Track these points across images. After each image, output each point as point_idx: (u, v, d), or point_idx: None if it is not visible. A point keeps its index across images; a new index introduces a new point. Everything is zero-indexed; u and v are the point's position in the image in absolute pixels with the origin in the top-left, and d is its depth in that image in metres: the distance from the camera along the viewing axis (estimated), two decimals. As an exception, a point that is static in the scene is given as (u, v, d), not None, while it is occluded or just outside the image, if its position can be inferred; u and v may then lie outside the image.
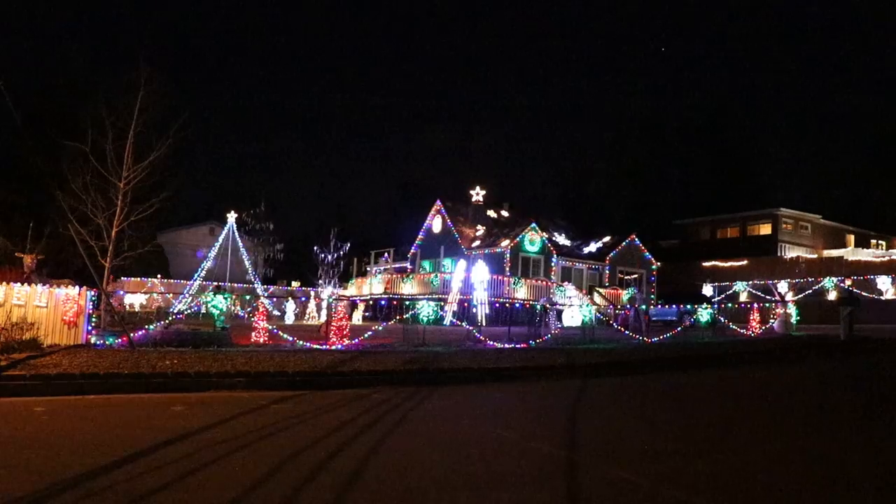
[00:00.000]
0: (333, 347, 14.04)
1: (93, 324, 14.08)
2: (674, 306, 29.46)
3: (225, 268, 38.03)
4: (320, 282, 39.68)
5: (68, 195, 16.60)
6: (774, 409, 9.45)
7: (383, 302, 30.62)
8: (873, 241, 51.02)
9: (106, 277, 16.54)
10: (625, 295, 34.65)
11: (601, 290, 35.04)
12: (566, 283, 33.90)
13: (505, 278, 31.74)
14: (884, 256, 39.84)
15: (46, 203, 23.36)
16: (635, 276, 38.28)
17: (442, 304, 28.38)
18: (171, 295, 35.64)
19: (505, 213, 40.51)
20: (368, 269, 46.01)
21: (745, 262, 41.72)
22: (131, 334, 13.07)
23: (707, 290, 37.59)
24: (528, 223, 35.30)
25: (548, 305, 24.40)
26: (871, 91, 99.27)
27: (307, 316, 32.05)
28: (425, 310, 24.71)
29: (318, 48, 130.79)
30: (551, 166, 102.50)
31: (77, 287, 13.13)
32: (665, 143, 68.79)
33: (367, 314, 33.15)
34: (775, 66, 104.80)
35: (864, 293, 31.64)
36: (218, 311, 16.31)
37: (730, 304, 31.65)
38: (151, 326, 14.45)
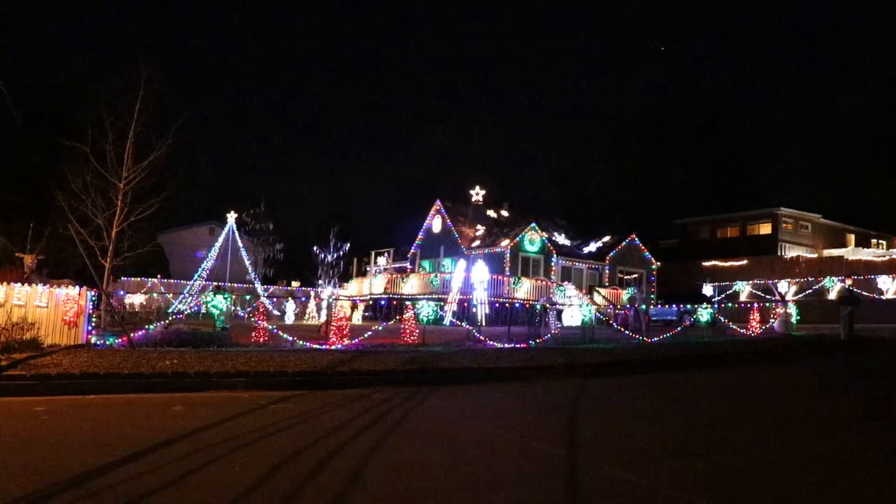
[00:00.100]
0: (333, 347, 14.04)
1: (93, 324, 14.08)
2: (674, 306, 29.46)
3: (225, 268, 38.03)
4: (320, 282, 39.71)
5: (68, 195, 16.60)
6: (774, 408, 9.45)
7: (383, 302, 30.63)
8: (874, 241, 51.01)
9: (106, 277, 16.54)
10: (625, 295, 34.66)
11: (601, 290, 35.04)
12: (566, 282, 33.90)
13: (505, 278, 31.74)
14: (884, 256, 39.83)
15: (46, 203, 23.36)
16: (635, 275, 38.29)
17: (442, 303, 28.39)
18: (171, 295, 35.64)
19: (505, 213, 40.51)
20: (368, 269, 46.00)
21: (745, 262, 41.71)
22: (131, 334, 13.08)
23: (707, 289, 37.60)
24: (527, 223, 35.31)
25: (548, 305, 24.41)
26: (871, 91, 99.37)
27: (307, 316, 32.06)
28: (425, 310, 24.72)
29: (318, 48, 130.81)
30: (551, 166, 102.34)
31: (77, 287, 13.13)
32: (665, 143, 68.79)
33: (367, 314, 33.17)
34: (775, 66, 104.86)
35: (864, 293, 31.64)
36: (218, 311, 16.33)
37: (730, 304, 31.67)
38: (151, 326, 14.46)
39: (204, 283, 36.80)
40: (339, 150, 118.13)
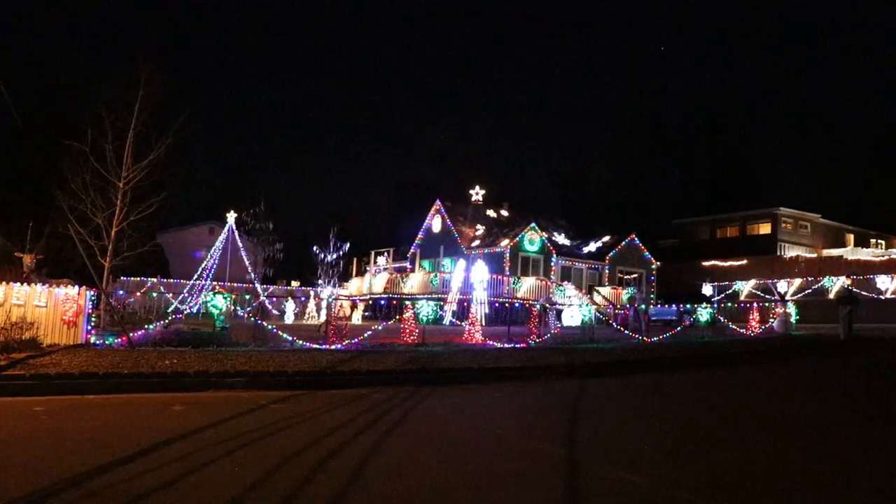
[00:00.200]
0: (333, 347, 14.03)
1: (92, 323, 14.07)
2: (673, 306, 29.48)
3: (225, 267, 38.01)
4: (320, 281, 39.68)
5: (68, 195, 16.58)
6: (774, 408, 9.45)
7: (383, 301, 30.63)
8: (873, 241, 51.05)
9: (105, 277, 16.53)
10: (624, 294, 34.68)
11: (601, 290, 35.05)
12: (566, 282, 33.90)
13: (504, 278, 31.74)
14: (883, 256, 39.84)
15: (46, 202, 23.34)
16: (635, 275, 38.29)
17: (442, 303, 28.39)
18: (171, 295, 35.62)
19: (504, 213, 40.51)
20: (368, 268, 45.98)
21: (744, 262, 41.72)
22: (131, 334, 13.07)
23: (706, 289, 37.64)
24: (527, 223, 35.31)
25: (547, 305, 24.41)
26: (871, 91, 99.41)
27: (307, 316, 32.05)
28: (425, 309, 24.71)
29: (318, 48, 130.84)
30: (551, 166, 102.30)
31: (76, 287, 13.12)
32: (665, 143, 68.80)
33: (366, 314, 33.17)
34: (775, 66, 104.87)
35: (863, 292, 31.65)
36: (218, 311, 16.32)
37: (729, 304, 31.71)
38: (151, 326, 14.45)
39: (204, 282, 36.78)
40: (339, 150, 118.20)
